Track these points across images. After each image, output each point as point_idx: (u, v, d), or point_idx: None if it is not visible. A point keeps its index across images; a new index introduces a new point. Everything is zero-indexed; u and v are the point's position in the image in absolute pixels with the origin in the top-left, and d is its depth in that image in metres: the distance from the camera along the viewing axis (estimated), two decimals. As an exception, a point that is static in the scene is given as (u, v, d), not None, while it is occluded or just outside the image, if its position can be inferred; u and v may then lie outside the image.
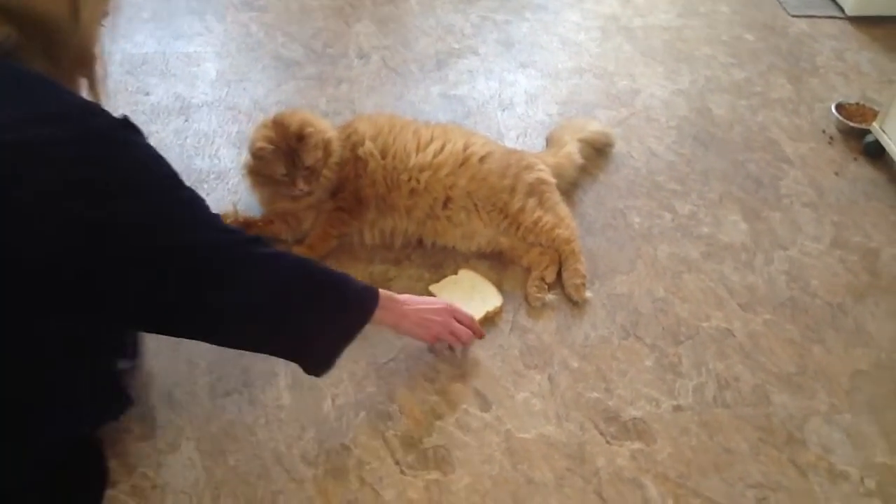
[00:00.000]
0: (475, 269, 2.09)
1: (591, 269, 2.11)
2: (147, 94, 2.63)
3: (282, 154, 1.98)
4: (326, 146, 2.04)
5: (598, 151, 2.49)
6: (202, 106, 2.59)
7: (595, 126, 2.50)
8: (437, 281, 2.05)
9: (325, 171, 2.05)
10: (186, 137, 2.46)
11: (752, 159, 2.53)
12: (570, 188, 2.34)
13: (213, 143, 2.44)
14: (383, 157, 2.09)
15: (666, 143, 2.57)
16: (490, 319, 1.97)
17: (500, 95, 2.73)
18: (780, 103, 2.78)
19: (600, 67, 2.92)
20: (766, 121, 2.70)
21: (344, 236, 2.12)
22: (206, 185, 2.28)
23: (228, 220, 2.10)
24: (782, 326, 2.01)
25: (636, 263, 2.15)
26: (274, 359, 1.81)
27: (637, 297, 2.06)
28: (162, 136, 2.45)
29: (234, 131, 2.48)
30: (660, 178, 2.44)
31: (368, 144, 2.10)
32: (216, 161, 2.37)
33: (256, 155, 1.99)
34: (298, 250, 2.07)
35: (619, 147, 2.54)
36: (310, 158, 2.00)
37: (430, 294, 2.01)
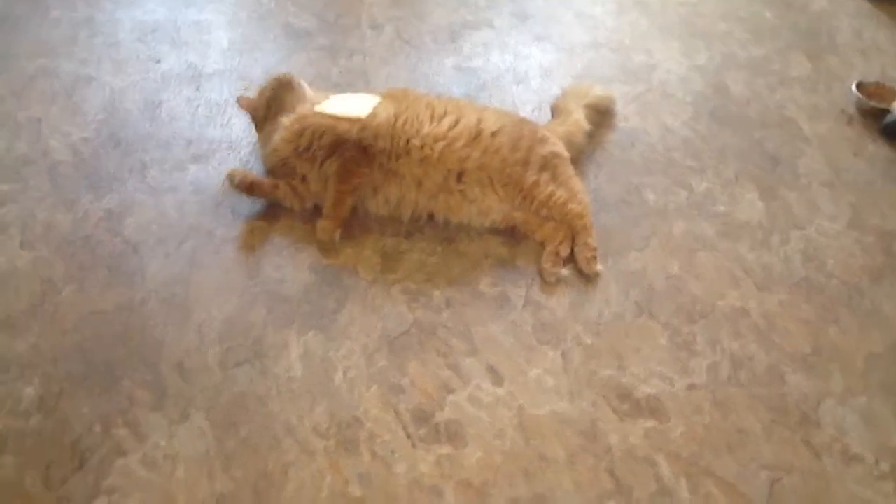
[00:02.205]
0: (487, 244, 2.07)
1: (605, 246, 2.09)
2: (158, 61, 2.60)
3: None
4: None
5: (602, 115, 2.49)
6: (213, 75, 2.56)
7: (597, 90, 2.49)
8: (451, 254, 2.04)
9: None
10: (198, 106, 2.43)
11: (770, 137, 2.50)
12: (580, 157, 2.32)
13: (224, 112, 2.41)
14: (394, 119, 2.08)
15: (682, 119, 2.54)
16: None
17: (514, 69, 2.70)
18: (799, 81, 2.74)
19: (616, 42, 2.88)
20: (783, 99, 2.66)
21: (357, 191, 2.08)
22: (217, 155, 2.26)
23: (235, 180, 2.07)
24: (798, 306, 1.99)
25: (651, 240, 2.13)
26: (286, 329, 1.81)
27: (651, 274, 2.04)
28: (173, 105, 2.43)
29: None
30: (675, 154, 2.41)
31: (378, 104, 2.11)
32: (228, 130, 2.35)
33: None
34: (323, 225, 2.05)
35: (635, 122, 2.51)
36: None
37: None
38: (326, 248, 2.04)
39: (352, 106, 2.11)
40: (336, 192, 2.06)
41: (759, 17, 3.05)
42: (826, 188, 2.33)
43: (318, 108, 2.13)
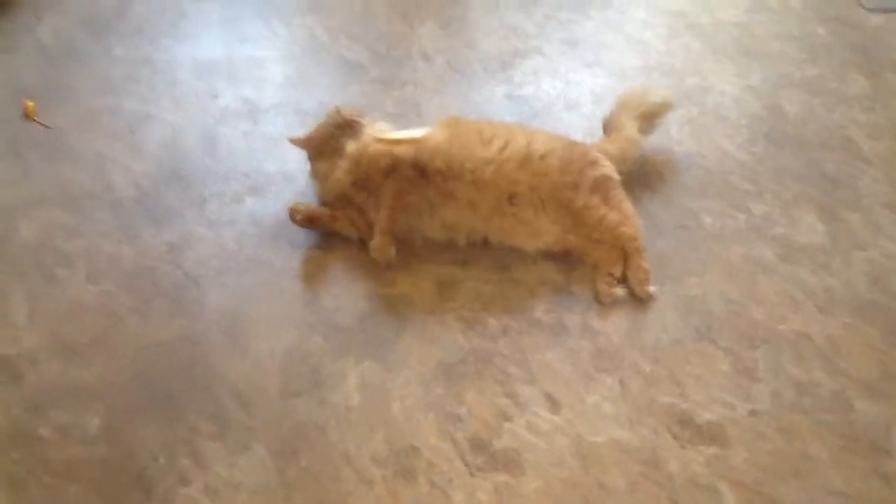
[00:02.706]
0: (542, 271, 2.07)
1: (661, 271, 2.07)
2: (215, 97, 2.67)
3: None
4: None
5: (662, 119, 2.44)
6: (269, 109, 2.62)
7: (652, 97, 2.44)
8: (506, 282, 2.05)
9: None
10: (254, 140, 2.49)
11: (828, 158, 2.45)
12: (634, 172, 2.31)
13: (280, 145, 2.46)
14: (448, 141, 2.11)
15: (737, 141, 2.51)
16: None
17: (565, 95, 2.70)
18: (857, 100, 2.69)
19: (668, 65, 2.86)
20: (841, 118, 2.61)
21: (410, 209, 2.10)
22: (274, 187, 2.31)
23: (298, 217, 2.11)
24: (863, 330, 1.94)
25: (708, 265, 2.10)
26: (343, 359, 1.83)
27: (710, 299, 2.01)
28: (230, 140, 2.48)
29: (301, 133, 2.50)
30: (732, 177, 2.38)
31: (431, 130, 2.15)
32: (284, 163, 2.39)
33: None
34: (377, 243, 2.07)
35: (689, 146, 2.49)
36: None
37: None
38: (382, 269, 2.06)
39: (407, 133, 2.15)
40: (390, 208, 2.09)
41: (813, 36, 3.01)
42: (888, 209, 2.28)
43: (376, 136, 2.16)
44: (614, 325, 1.94)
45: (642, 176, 2.36)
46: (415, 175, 2.08)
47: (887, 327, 1.95)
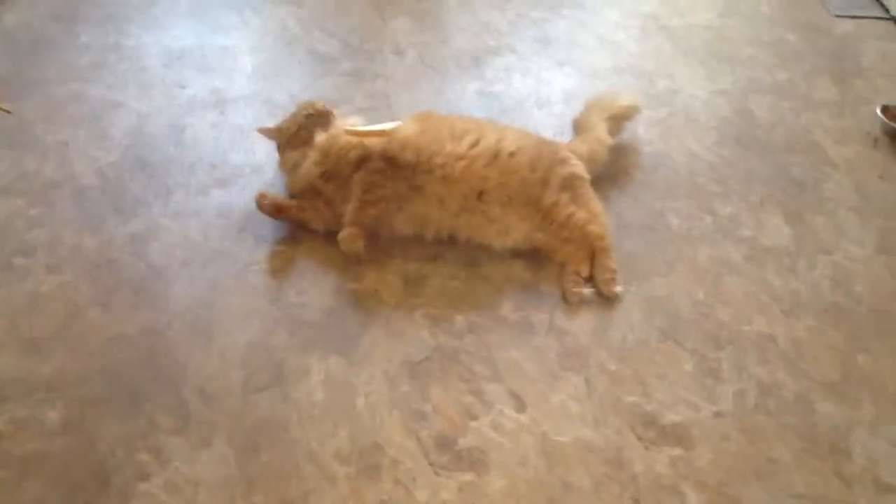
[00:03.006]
0: (510, 269, 2.07)
1: (628, 271, 2.07)
2: (184, 87, 2.63)
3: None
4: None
5: (629, 122, 2.48)
6: (238, 100, 2.59)
7: (622, 101, 2.47)
8: (473, 278, 2.04)
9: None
10: (222, 131, 2.45)
11: (795, 162, 2.48)
12: (604, 173, 2.32)
13: (248, 136, 2.43)
14: (419, 134, 2.10)
15: (706, 144, 2.53)
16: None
17: (537, 93, 2.70)
18: (824, 105, 2.72)
19: (639, 67, 2.87)
20: (809, 123, 2.64)
21: (381, 203, 2.07)
22: (241, 179, 2.28)
23: (265, 202, 2.09)
24: (826, 333, 1.96)
25: (675, 265, 2.11)
26: (308, 354, 1.81)
27: (676, 299, 2.02)
28: (198, 130, 2.45)
29: (271, 125, 2.47)
30: (700, 179, 2.39)
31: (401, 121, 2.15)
32: (252, 155, 2.36)
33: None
34: (346, 234, 2.03)
35: (658, 147, 2.50)
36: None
37: None
38: (350, 264, 2.05)
39: (379, 126, 2.14)
40: (360, 201, 2.06)
41: (783, 41, 3.04)
42: (853, 213, 2.30)
43: (347, 128, 2.15)
44: (581, 325, 1.94)
45: (611, 176, 2.36)
46: (385, 167, 2.06)
47: (850, 330, 1.97)
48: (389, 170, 2.06)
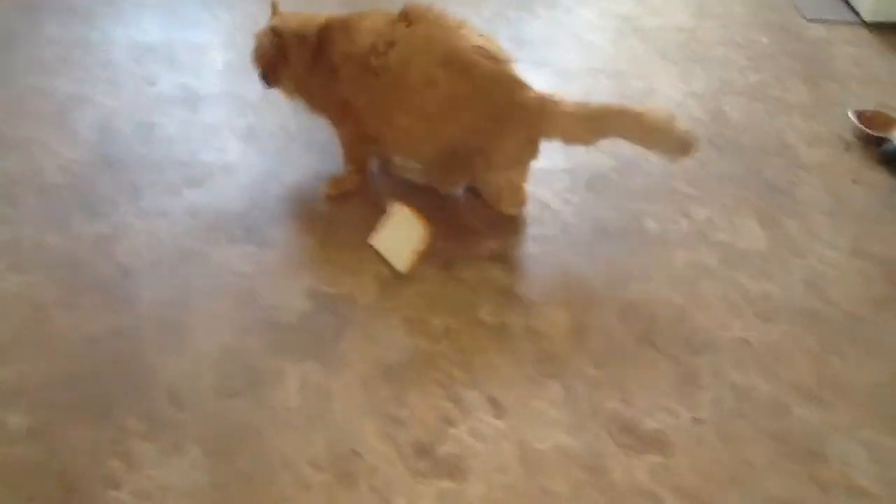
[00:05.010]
0: (485, 271, 2.05)
1: (606, 275, 2.07)
2: (153, 83, 2.57)
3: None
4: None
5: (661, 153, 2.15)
6: (209, 97, 2.53)
7: (676, 131, 2.07)
8: (449, 280, 2.01)
9: None
10: (193, 129, 2.40)
11: (769, 165, 2.49)
12: (581, 182, 2.30)
13: (219, 135, 2.38)
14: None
15: (681, 146, 2.52)
16: (422, 255, 2.04)
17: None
18: (797, 108, 2.74)
19: (614, 68, 2.87)
20: (782, 126, 2.65)
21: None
22: (211, 179, 2.23)
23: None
24: (801, 337, 1.97)
25: (652, 270, 2.11)
26: (283, 358, 1.78)
27: (653, 304, 2.01)
28: (167, 127, 2.39)
29: (242, 124, 2.43)
30: (675, 181, 2.39)
31: None
32: (223, 154, 2.32)
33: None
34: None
35: (634, 149, 2.48)
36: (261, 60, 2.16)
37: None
38: (322, 265, 2.01)
39: None
40: (347, 147, 2.23)
41: (757, 44, 3.06)
42: (826, 216, 2.32)
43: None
44: (558, 329, 1.93)
45: (588, 179, 2.35)
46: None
47: (825, 334, 1.98)
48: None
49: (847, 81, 2.89)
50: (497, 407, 1.75)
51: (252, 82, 2.59)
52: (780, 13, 3.25)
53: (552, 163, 2.37)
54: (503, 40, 2.92)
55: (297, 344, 1.84)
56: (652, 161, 2.45)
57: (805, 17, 3.22)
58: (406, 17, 2.05)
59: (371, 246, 2.07)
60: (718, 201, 2.34)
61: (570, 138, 2.08)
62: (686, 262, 2.13)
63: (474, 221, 2.21)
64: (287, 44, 2.09)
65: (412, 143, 2.12)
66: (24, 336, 1.81)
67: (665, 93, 2.76)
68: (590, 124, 2.05)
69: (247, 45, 2.21)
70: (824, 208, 2.35)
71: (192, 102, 2.50)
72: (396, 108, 2.05)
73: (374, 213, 2.14)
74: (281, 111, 2.47)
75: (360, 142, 2.21)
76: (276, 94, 2.37)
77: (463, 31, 2.05)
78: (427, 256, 2.04)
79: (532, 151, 2.11)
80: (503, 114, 2.02)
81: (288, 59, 2.10)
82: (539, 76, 2.77)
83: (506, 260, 2.09)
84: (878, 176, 2.49)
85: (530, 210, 2.24)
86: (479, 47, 2.02)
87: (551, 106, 2.03)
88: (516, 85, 2.04)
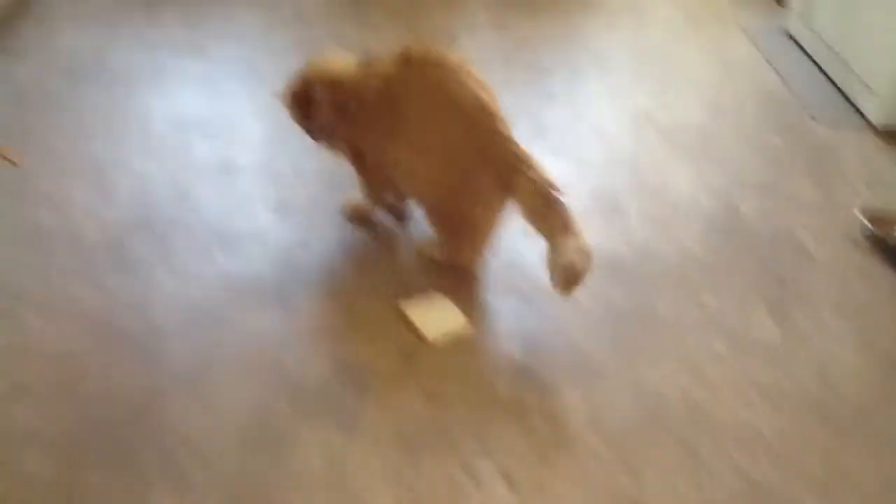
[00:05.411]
0: (502, 345, 2.11)
1: (619, 357, 2.12)
2: (189, 150, 2.69)
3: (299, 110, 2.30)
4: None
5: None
6: (243, 166, 2.64)
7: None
8: (468, 354, 2.07)
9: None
10: (227, 196, 2.50)
11: (779, 258, 2.56)
12: (595, 267, 2.37)
13: (252, 203, 2.48)
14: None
15: (694, 237, 2.61)
16: (452, 337, 2.11)
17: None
18: (806, 205, 2.83)
19: (630, 160, 2.98)
20: (791, 221, 2.74)
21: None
22: (243, 245, 2.32)
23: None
24: (810, 428, 2.01)
25: (664, 354, 2.16)
26: (303, 422, 1.82)
27: (665, 387, 2.06)
28: (202, 194, 2.49)
29: (273, 194, 2.53)
30: (688, 270, 2.47)
31: None
32: (255, 221, 2.41)
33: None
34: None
35: (648, 239, 2.58)
36: (321, 117, 2.22)
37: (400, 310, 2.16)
38: (351, 331, 2.07)
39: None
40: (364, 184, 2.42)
41: (768, 143, 3.17)
42: (835, 310, 2.38)
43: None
44: (572, 407, 1.98)
45: (603, 264, 2.43)
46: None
47: (833, 427, 2.02)
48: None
49: (855, 181, 2.99)
50: (510, 481, 1.78)
51: (285, 154, 2.71)
52: (790, 114, 3.38)
53: (570, 246, 2.45)
54: (523, 128, 3.06)
55: (318, 408, 1.89)
56: (666, 249, 2.53)
57: (814, 119, 3.34)
58: (408, 60, 2.19)
59: (400, 311, 2.14)
60: (730, 291, 2.41)
61: (525, 205, 2.14)
62: (697, 348, 2.19)
63: (494, 300, 2.28)
64: (321, 93, 2.23)
65: (414, 180, 2.25)
66: (50, 382, 1.87)
67: (679, 186, 2.86)
68: (537, 200, 2.11)
69: (280, 118, 2.32)
70: (834, 302, 2.41)
71: (227, 171, 2.61)
72: (402, 146, 2.19)
73: (401, 287, 2.23)
74: (311, 183, 2.58)
75: (374, 181, 2.40)
76: (307, 167, 2.48)
77: (461, 75, 2.16)
78: (454, 338, 2.11)
79: (500, 204, 2.20)
80: (487, 165, 2.14)
81: (323, 107, 2.23)
82: (557, 165, 2.89)
83: (523, 338, 2.15)
84: (886, 272, 2.56)
85: (547, 293, 2.31)
86: (478, 100, 2.14)
87: (522, 167, 2.13)
88: (501, 140, 2.16)
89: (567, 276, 2.00)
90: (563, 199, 2.09)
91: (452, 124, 2.13)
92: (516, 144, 2.16)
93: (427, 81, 2.15)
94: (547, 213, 2.09)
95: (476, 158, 2.14)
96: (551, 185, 2.10)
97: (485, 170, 2.14)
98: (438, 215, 2.30)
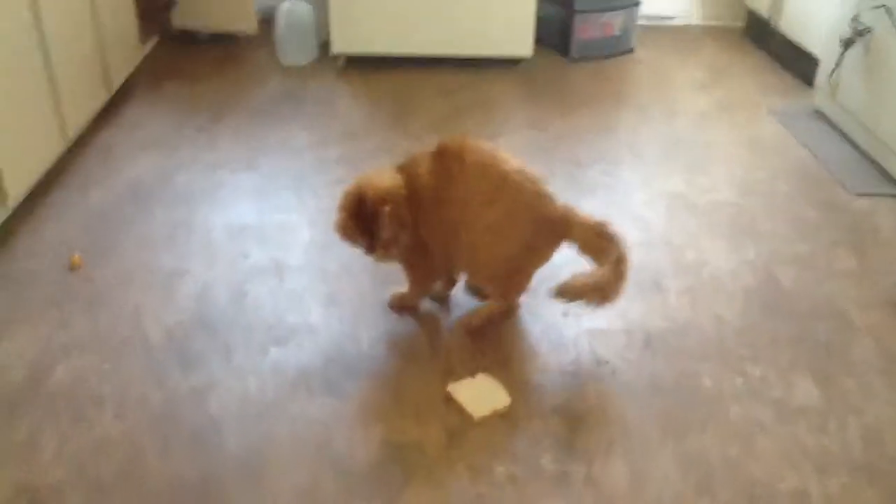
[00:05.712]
0: (547, 421, 2.16)
1: (663, 428, 2.16)
2: (246, 257, 2.87)
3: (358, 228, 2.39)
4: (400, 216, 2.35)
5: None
6: (294, 268, 2.81)
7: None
8: (513, 430, 2.13)
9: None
10: (280, 295, 2.66)
11: (822, 327, 2.59)
12: (638, 342, 2.43)
13: (303, 300, 2.63)
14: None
15: (734, 310, 2.66)
16: (499, 414, 2.18)
17: (573, 263, 2.88)
18: (845, 274, 2.86)
19: (667, 240, 3.06)
20: (832, 291, 2.77)
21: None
22: (295, 339, 2.45)
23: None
24: (860, 491, 2.00)
25: (708, 423, 2.19)
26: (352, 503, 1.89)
27: (710, 456, 2.08)
28: (257, 295, 2.66)
29: (324, 291, 2.68)
30: (729, 343, 2.51)
31: None
32: (307, 316, 2.55)
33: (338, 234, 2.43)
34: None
35: (688, 313, 2.63)
36: (385, 232, 2.32)
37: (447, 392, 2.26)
38: (397, 416, 2.15)
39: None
40: (412, 283, 2.62)
41: (803, 217, 3.23)
42: (882, 375, 2.38)
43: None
44: (617, 478, 2.01)
45: (644, 338, 2.49)
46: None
47: (885, 489, 2.00)
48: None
49: (893, 248, 3.01)
50: (558, 551, 1.81)
51: (333, 254, 2.87)
52: (824, 188, 3.44)
53: (609, 323, 2.53)
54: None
55: (367, 490, 1.97)
56: (706, 323, 2.58)
57: (850, 192, 3.39)
58: (445, 151, 2.39)
59: (447, 393, 2.23)
60: (772, 361, 2.43)
61: (583, 243, 2.42)
62: (741, 417, 2.21)
63: (537, 376, 2.35)
64: (379, 209, 2.35)
65: (477, 256, 2.43)
66: (123, 477, 1.99)
67: (717, 262, 2.92)
68: (594, 236, 2.39)
69: (330, 223, 2.48)
70: (879, 367, 2.42)
71: (280, 272, 2.77)
72: (463, 228, 2.37)
73: (447, 370, 2.33)
74: (358, 280, 2.72)
75: (428, 275, 2.57)
76: (354, 265, 2.62)
77: (501, 155, 2.40)
78: (500, 416, 2.19)
79: (553, 252, 2.47)
80: (542, 224, 2.38)
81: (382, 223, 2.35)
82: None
83: (567, 412, 2.20)
84: (931, 337, 2.56)
85: (589, 366, 2.38)
86: (519, 171, 2.37)
87: (572, 216, 2.40)
88: (548, 199, 2.40)
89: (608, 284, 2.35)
90: (615, 230, 2.37)
91: (505, 197, 2.34)
92: (558, 200, 2.43)
93: (470, 166, 2.35)
94: (604, 245, 2.38)
95: (533, 223, 2.37)
96: (601, 223, 2.37)
97: (542, 229, 2.38)
98: (499, 279, 2.50)
